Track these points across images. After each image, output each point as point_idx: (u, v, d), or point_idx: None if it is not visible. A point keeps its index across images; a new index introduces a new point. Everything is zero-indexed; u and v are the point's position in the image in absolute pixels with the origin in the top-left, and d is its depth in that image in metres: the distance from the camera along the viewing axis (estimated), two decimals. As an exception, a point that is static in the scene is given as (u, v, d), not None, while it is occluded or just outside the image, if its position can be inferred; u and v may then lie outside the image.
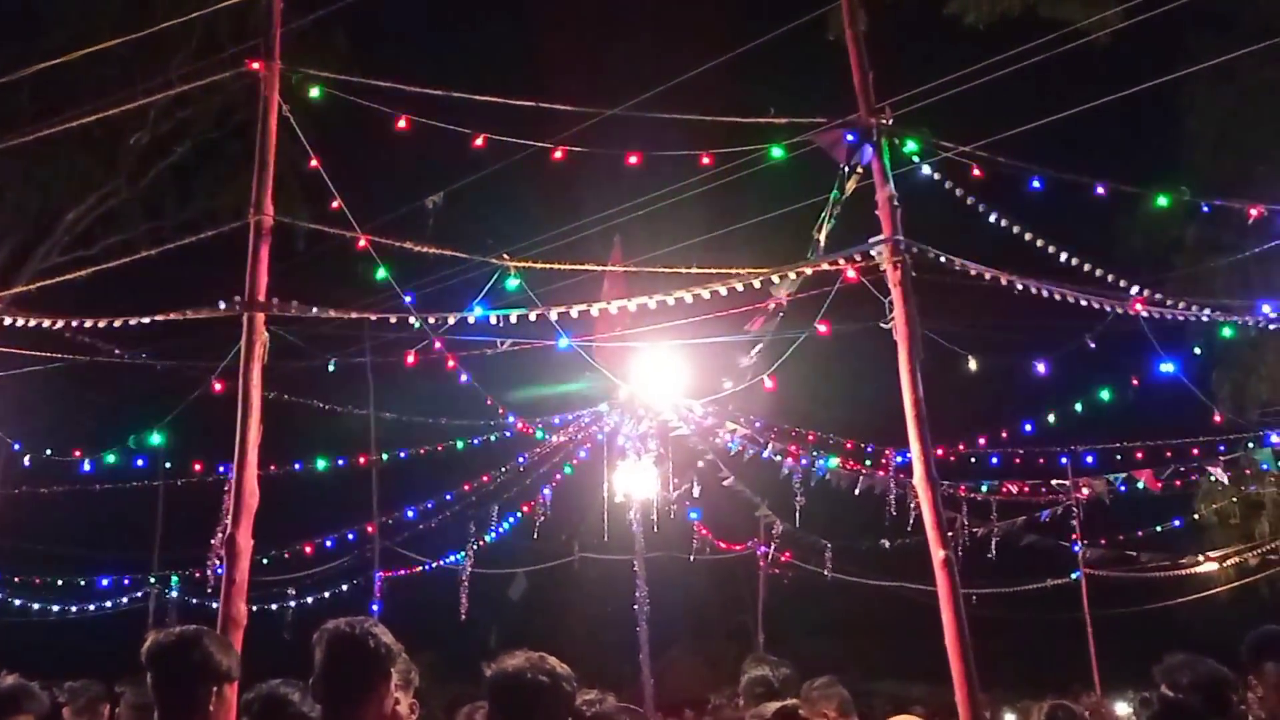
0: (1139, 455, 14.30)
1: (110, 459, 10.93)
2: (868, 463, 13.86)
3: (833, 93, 8.55)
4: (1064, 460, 14.72)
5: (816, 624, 23.49)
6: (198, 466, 13.48)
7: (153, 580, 17.10)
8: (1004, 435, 13.25)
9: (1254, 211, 8.93)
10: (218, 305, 6.82)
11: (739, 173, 8.77)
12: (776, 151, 7.73)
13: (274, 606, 16.77)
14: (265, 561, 15.85)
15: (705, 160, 7.91)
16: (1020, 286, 7.88)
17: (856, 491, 14.60)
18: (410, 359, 8.23)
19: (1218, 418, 11.19)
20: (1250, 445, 14.61)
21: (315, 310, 6.97)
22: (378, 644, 3.90)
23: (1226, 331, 10.15)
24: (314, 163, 7.42)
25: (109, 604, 16.82)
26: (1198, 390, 10.45)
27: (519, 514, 15.89)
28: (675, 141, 8.56)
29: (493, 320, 7.48)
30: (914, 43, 13.06)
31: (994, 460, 14.22)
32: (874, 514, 14.82)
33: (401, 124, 7.37)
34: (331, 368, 8.86)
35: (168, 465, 15.37)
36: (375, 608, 15.42)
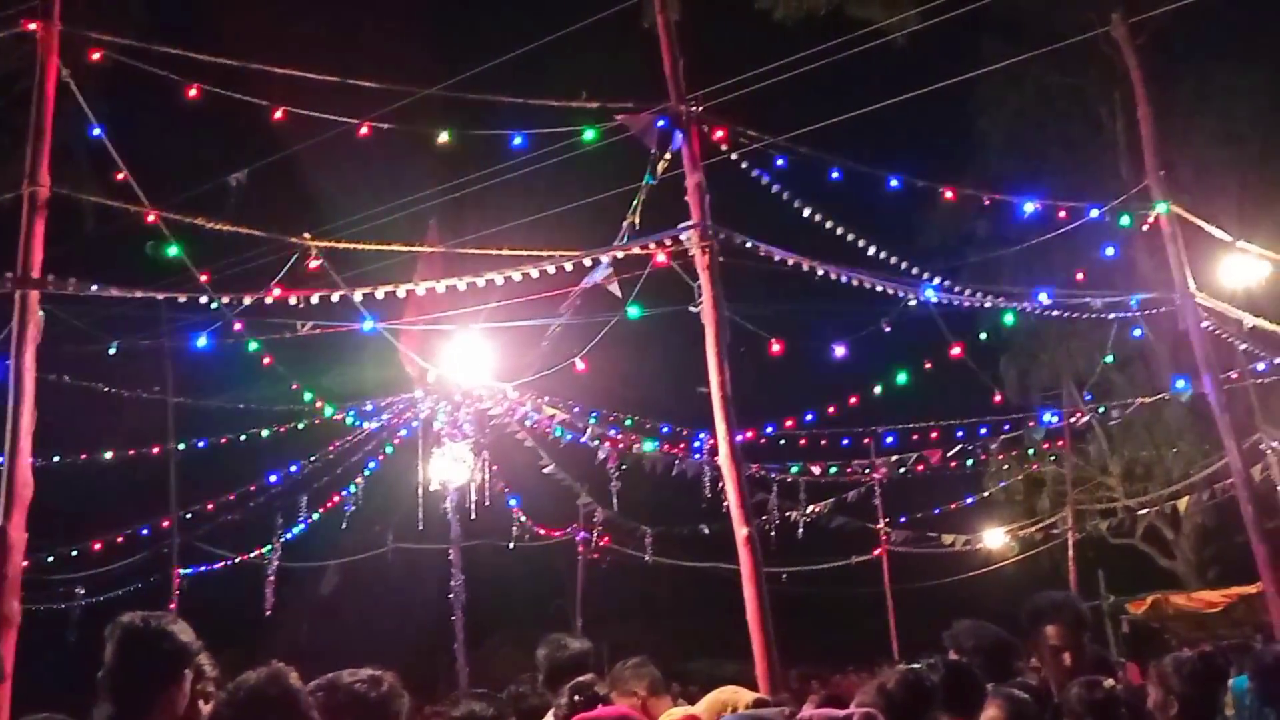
0: (934, 436, 15.10)
1: None
2: (682, 446, 14.11)
3: (651, 82, 8.65)
4: (867, 442, 15.39)
5: (635, 608, 23.81)
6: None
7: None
8: (809, 418, 13.75)
9: (1029, 206, 9.54)
10: (-19, 281, 6.30)
11: (554, 157, 8.76)
12: (589, 134, 7.75)
13: (60, 606, 15.71)
14: (50, 559, 14.87)
15: (517, 141, 7.84)
16: (821, 272, 8.18)
17: (673, 475, 14.86)
18: (203, 340, 7.83)
19: (998, 398, 11.92)
20: (1031, 426, 15.65)
21: (96, 288, 6.53)
22: (173, 641, 3.71)
23: (1008, 318, 10.83)
24: (97, 131, 6.94)
25: None
26: (984, 374, 11.10)
27: (328, 505, 15.41)
28: (491, 125, 8.47)
29: (293, 301, 7.20)
30: (728, 37, 13.35)
31: (802, 442, 14.73)
32: (691, 497, 15.12)
33: (192, 93, 6.98)
34: (113, 350, 8.31)
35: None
36: (173, 606, 14.67)
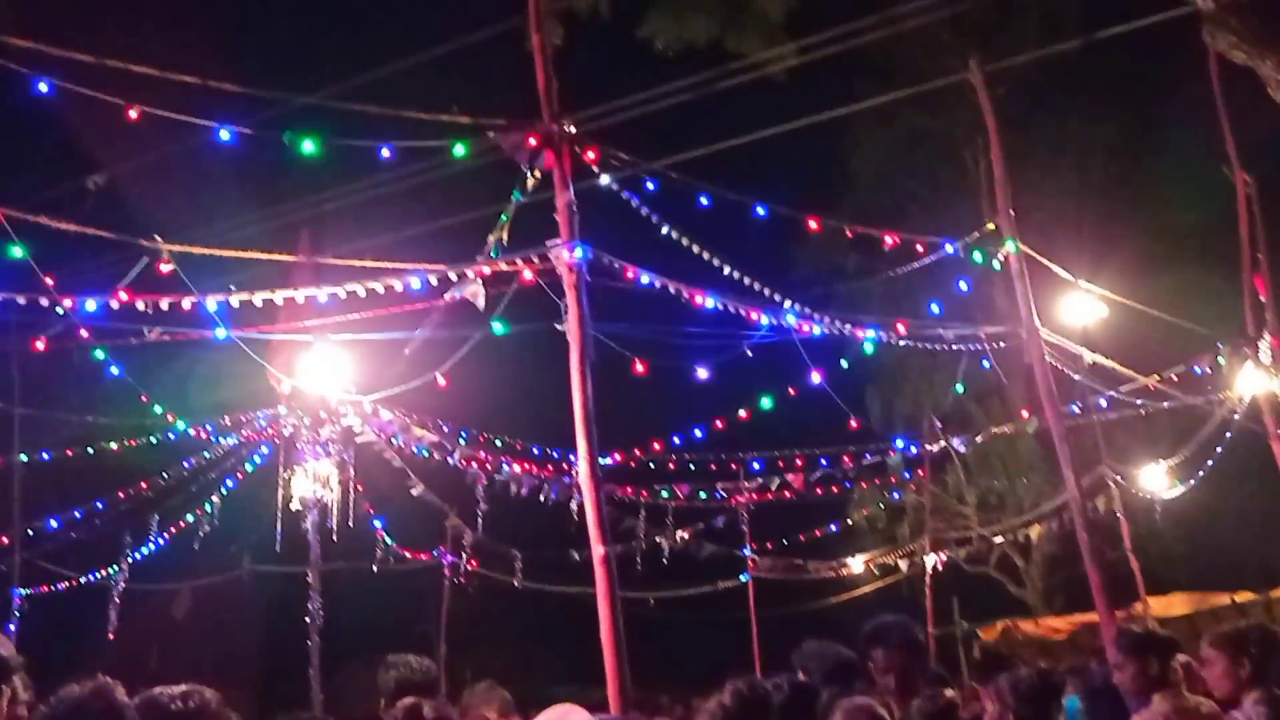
0: (799, 463, 15.42)
1: None
2: (550, 468, 14.06)
3: (528, 103, 8.68)
4: (734, 467, 15.60)
5: (503, 634, 23.54)
6: None
7: None
8: (676, 442, 13.88)
9: (889, 239, 9.90)
10: None
11: (424, 170, 8.69)
12: (459, 149, 7.71)
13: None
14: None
15: (385, 154, 7.75)
16: (686, 295, 8.30)
17: (541, 498, 14.77)
18: (41, 344, 7.47)
19: (854, 423, 12.28)
20: (891, 455, 16.14)
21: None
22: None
23: (868, 347, 11.18)
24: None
25: None
26: (846, 403, 11.41)
27: (180, 524, 14.80)
28: (363, 137, 8.34)
29: (141, 307, 6.94)
30: (608, 64, 13.49)
31: (670, 466, 14.85)
32: (562, 521, 15.06)
33: (43, 87, 6.69)
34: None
35: None
36: (11, 628, 13.85)
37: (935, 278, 12.97)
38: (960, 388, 14.53)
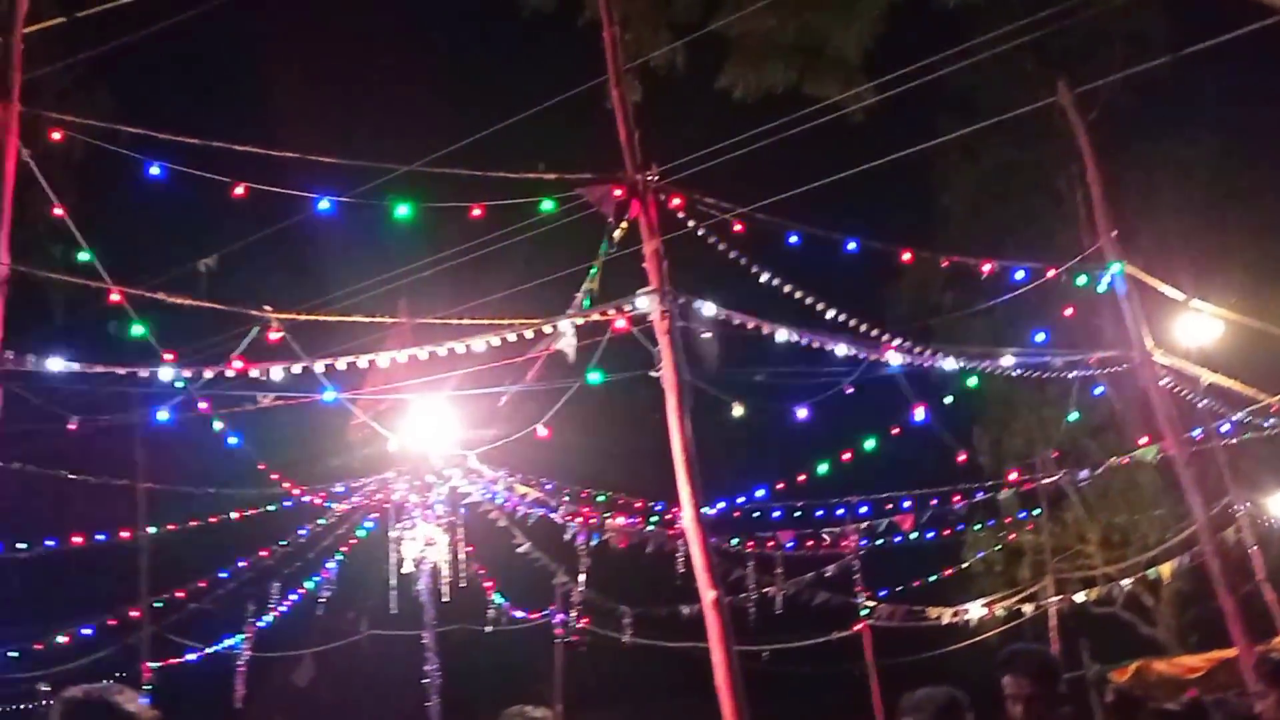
0: (907, 505, 15.09)
1: None
2: (654, 519, 14.05)
3: (612, 158, 8.85)
4: (841, 511, 15.35)
5: (616, 691, 23.38)
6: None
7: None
8: (780, 487, 13.74)
9: (986, 267, 9.73)
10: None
11: (517, 229, 8.91)
12: (547, 205, 7.90)
13: (24, 707, 15.29)
14: (16, 655, 14.53)
15: (476, 212, 7.97)
16: (782, 336, 8.27)
17: (646, 550, 14.75)
18: (164, 414, 7.81)
19: (962, 457, 11.96)
20: (1003, 496, 15.68)
21: (56, 363, 6.54)
22: (115, 709, 3.66)
23: (972, 380, 10.94)
24: (59, 211, 7.02)
25: None
26: (953, 439, 11.17)
27: (301, 591, 15.17)
28: (453, 200, 8.60)
29: (255, 374, 7.22)
30: (689, 116, 13.66)
31: (775, 514, 14.67)
32: (669, 575, 14.98)
33: (155, 170, 7.09)
34: (72, 425, 8.28)
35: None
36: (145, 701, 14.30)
37: (1037, 309, 12.67)
38: (1074, 415, 14.06)
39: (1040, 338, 11.39)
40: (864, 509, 15.18)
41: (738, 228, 8.39)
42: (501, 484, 13.21)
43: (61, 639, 14.32)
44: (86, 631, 14.39)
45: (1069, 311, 11.50)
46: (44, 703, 15.72)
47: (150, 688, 14.86)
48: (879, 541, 16.14)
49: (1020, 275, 10.19)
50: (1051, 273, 10.12)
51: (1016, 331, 15.24)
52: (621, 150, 8.21)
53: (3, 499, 6.66)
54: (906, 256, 9.81)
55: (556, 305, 8.83)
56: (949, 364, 9.68)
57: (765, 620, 16.46)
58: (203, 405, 8.39)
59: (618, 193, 7.69)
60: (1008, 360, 10.40)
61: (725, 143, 9.16)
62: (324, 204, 7.50)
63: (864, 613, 17.82)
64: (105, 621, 14.56)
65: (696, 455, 7.67)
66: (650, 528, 14.60)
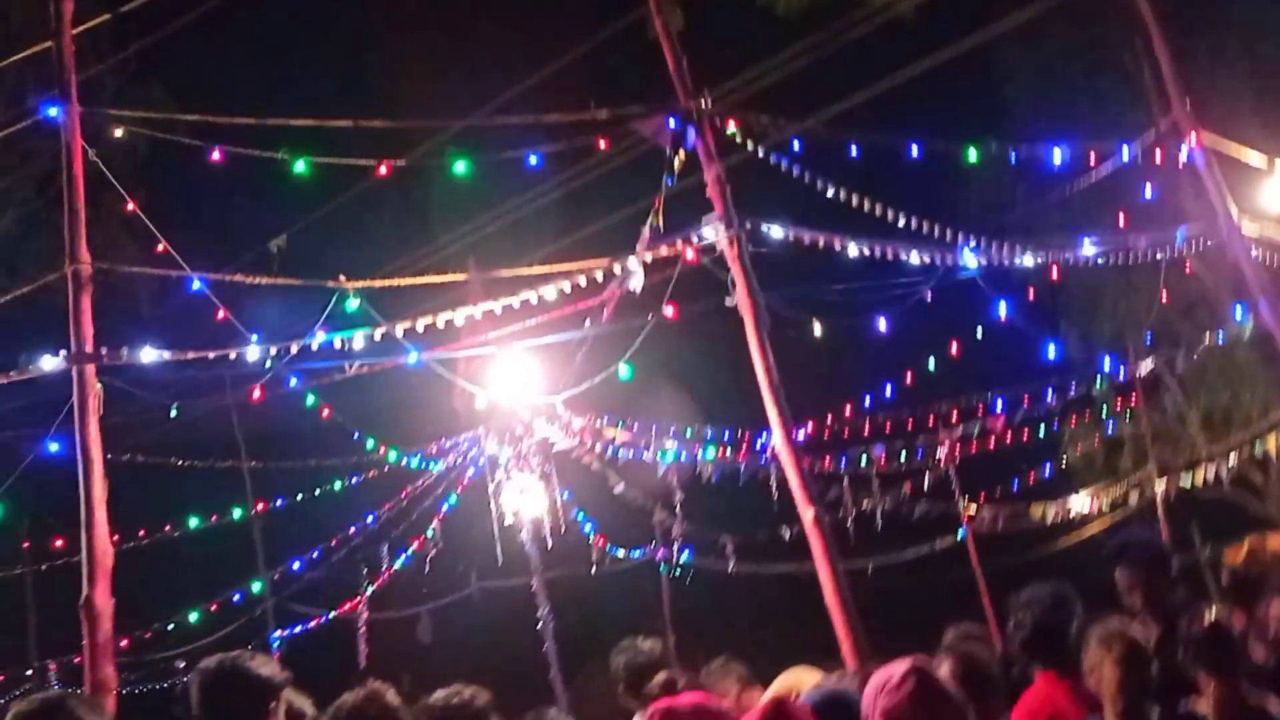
0: (999, 407, 14.87)
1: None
2: (744, 449, 14.06)
3: (662, 89, 8.74)
4: (931, 421, 15.19)
5: (726, 619, 23.65)
6: (59, 543, 12.89)
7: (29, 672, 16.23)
8: (867, 404, 13.62)
9: (1057, 157, 9.42)
10: (41, 362, 6.56)
11: (573, 172, 8.89)
12: (603, 144, 7.86)
13: (163, 686, 16.04)
14: (149, 636, 15.23)
15: (533, 160, 7.97)
16: (855, 250, 8.16)
17: (740, 480, 14.81)
18: (257, 393, 8.04)
19: (1056, 357, 11.63)
20: (1099, 384, 15.33)
21: (149, 354, 6.76)
22: (249, 675, 3.81)
23: (1054, 273, 10.66)
24: (131, 206, 7.21)
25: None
26: (1040, 331, 10.94)
27: (409, 551, 15.59)
28: (505, 150, 8.58)
29: (337, 344, 7.37)
30: (734, 38, 13.38)
31: (865, 431, 14.59)
32: (766, 501, 15.03)
33: (215, 155, 7.22)
34: (174, 412, 8.57)
35: (25, 547, 14.67)
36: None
37: (1114, 194, 12.24)
38: (1163, 298, 13.62)
39: (1121, 222, 11.01)
40: (955, 416, 14.98)
41: (796, 145, 8.25)
42: (589, 429, 13.35)
43: (192, 617, 14.97)
44: (212, 609, 15.01)
45: (1148, 191, 11.08)
46: (181, 679, 16.48)
47: (279, 657, 15.46)
48: (974, 447, 15.94)
49: (1094, 160, 9.83)
50: (1126, 152, 9.75)
51: (1095, 219, 14.79)
52: (670, 80, 8.11)
53: (116, 492, 6.91)
54: (973, 155, 9.54)
55: (624, 246, 8.82)
56: (1028, 259, 9.44)
57: (866, 537, 16.44)
58: (293, 381, 8.61)
59: (672, 123, 7.61)
60: (1089, 248, 10.10)
61: (775, 60, 8.96)
62: (383, 169, 7.57)
63: (964, 523, 17.68)
64: (229, 598, 15.17)
65: (780, 379, 7.65)
66: (741, 456, 14.65)
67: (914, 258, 8.70)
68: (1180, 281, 13.40)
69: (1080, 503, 18.44)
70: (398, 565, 16.20)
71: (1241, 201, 10.61)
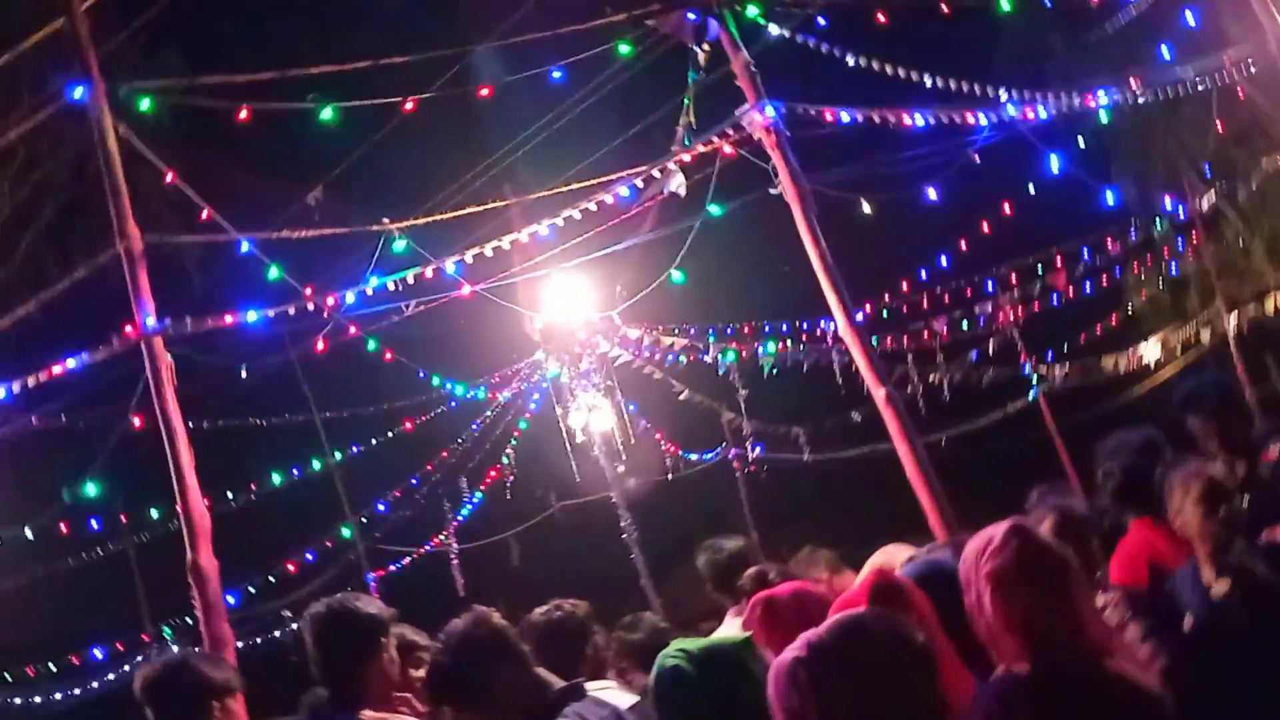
0: (1059, 262, 14.59)
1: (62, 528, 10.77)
2: (805, 337, 14.00)
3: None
4: (991, 284, 14.97)
5: (805, 508, 23.83)
6: (154, 514, 13.32)
7: (145, 639, 16.92)
8: (923, 275, 13.44)
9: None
10: (110, 344, 6.69)
11: (599, 82, 8.73)
12: (625, 48, 7.70)
13: (275, 634, 16.64)
14: (253, 590, 15.77)
15: (556, 75, 7.83)
16: (893, 120, 7.96)
17: (804, 369, 14.78)
18: (320, 345, 8.14)
19: (1107, 198, 11.28)
20: (1158, 226, 14.95)
21: (209, 321, 6.86)
22: (358, 614, 3.92)
23: (1102, 117, 10.31)
24: (170, 177, 7.24)
25: (110, 676, 16.56)
26: (1092, 179, 10.63)
27: (488, 481, 15.89)
28: (524, 69, 8.42)
29: (391, 287, 7.42)
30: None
31: (923, 303, 14.42)
32: (829, 387, 14.98)
33: (243, 114, 7.20)
34: (243, 373, 8.73)
35: (124, 519, 15.18)
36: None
37: (1152, 28, 11.73)
38: (1218, 129, 13.10)
39: (1164, 55, 10.55)
40: (1014, 277, 14.73)
41: (821, 20, 8.00)
42: (648, 339, 13.37)
43: (290, 568, 15.46)
44: (309, 557, 15.48)
45: (1189, 19, 10.54)
46: (290, 627, 17.08)
47: (379, 595, 15.96)
48: (1036, 306, 15.70)
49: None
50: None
51: (1135, 57, 14.24)
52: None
53: (203, 455, 7.07)
54: (1006, 3, 9.16)
55: (661, 150, 8.70)
56: (1072, 103, 9.12)
57: (938, 410, 16.37)
58: (353, 329, 8.69)
59: (692, 16, 7.41)
60: (1134, 87, 9.72)
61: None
62: (409, 104, 7.50)
63: (1035, 381, 17.52)
64: (324, 544, 15.62)
65: (834, 261, 7.55)
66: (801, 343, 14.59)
67: (955, 119, 8.45)
68: (1233, 109, 12.90)
69: (1151, 349, 18.15)
70: (478, 496, 16.56)
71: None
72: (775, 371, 13.78)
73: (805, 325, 14.39)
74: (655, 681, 3.02)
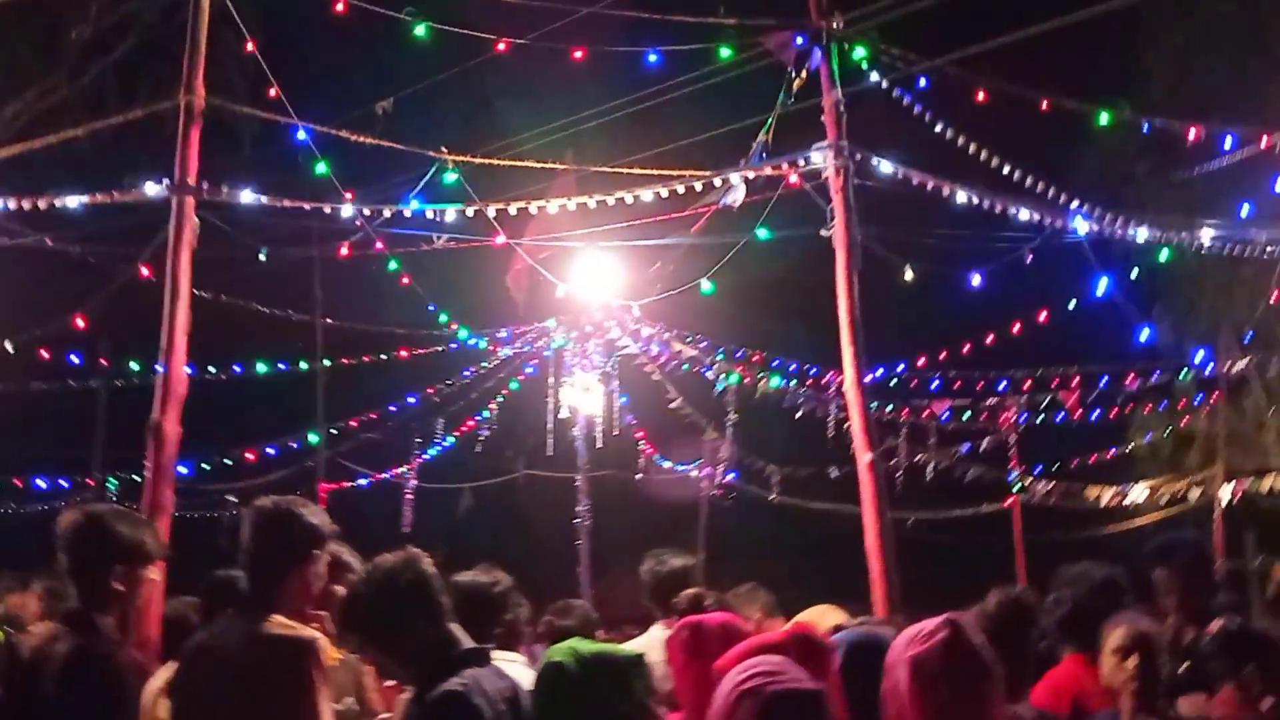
0: (1075, 381, 14.53)
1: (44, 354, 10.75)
2: (810, 382, 13.95)
3: (793, 6, 8.40)
4: (1004, 385, 14.90)
5: (759, 547, 23.79)
6: (135, 366, 13.28)
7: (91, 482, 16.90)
8: (943, 356, 13.37)
9: (1192, 132, 8.98)
10: (144, 188, 6.65)
11: (692, 77, 8.67)
12: (725, 52, 7.64)
13: (214, 515, 16.62)
14: (207, 467, 15.74)
15: (653, 58, 7.78)
16: (962, 197, 7.90)
17: (798, 414, 14.74)
18: (345, 250, 8.10)
19: (1143, 335, 11.23)
20: (1183, 375, 14.88)
21: (247, 196, 6.82)
22: (301, 520, 3.90)
23: (1164, 255, 10.25)
24: (250, 46, 7.20)
25: (43, 507, 16.51)
26: (1134, 310, 10.58)
27: (464, 429, 15.85)
28: (626, 42, 8.39)
29: (429, 215, 7.37)
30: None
31: (934, 383, 14.37)
32: (819, 437, 14.94)
33: (339, 6, 7.16)
34: (263, 256, 8.69)
35: (104, 363, 15.15)
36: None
37: (1241, 181, 11.68)
38: (1272, 298, 13.01)
39: (1245, 211, 10.48)
40: (1027, 383, 14.66)
41: (923, 82, 7.94)
42: (658, 338, 13.33)
43: (249, 456, 15.43)
44: (270, 451, 15.44)
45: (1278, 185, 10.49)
46: (232, 512, 17.04)
47: (326, 509, 15.90)
48: (1039, 417, 15.65)
49: (1229, 144, 9.32)
50: (1265, 140, 9.22)
51: (1214, 205, 14.16)
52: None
53: (196, 324, 7.04)
54: (1104, 119, 9.10)
55: (727, 159, 8.64)
56: (1141, 234, 9.06)
57: (914, 489, 16.33)
58: (379, 244, 8.66)
59: (799, 40, 7.35)
60: (1206, 234, 9.67)
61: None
62: (501, 46, 7.46)
63: (1016, 487, 17.45)
64: (286, 443, 15.58)
65: (861, 318, 7.51)
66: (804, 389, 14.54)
67: (1022, 214, 8.40)
68: (1289, 285, 12.84)
69: (1138, 493, 18.10)
70: (450, 440, 16.51)
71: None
72: (772, 407, 13.72)
73: (813, 370, 14.36)
74: (539, 674, 3.03)
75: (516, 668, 3.88)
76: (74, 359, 13.57)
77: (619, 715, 2.92)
